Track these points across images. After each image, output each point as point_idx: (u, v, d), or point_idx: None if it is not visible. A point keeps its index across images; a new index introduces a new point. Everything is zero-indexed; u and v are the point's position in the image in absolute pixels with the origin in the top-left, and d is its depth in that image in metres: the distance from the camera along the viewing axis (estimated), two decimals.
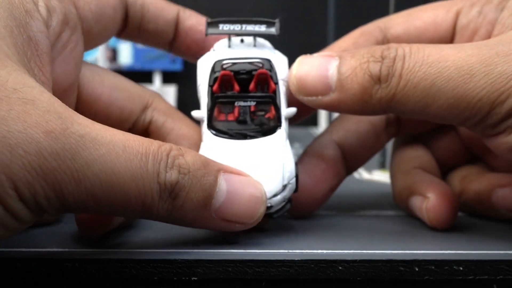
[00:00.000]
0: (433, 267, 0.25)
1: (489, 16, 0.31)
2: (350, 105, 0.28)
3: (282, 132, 0.29)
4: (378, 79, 0.27)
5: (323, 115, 1.01)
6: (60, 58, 0.29)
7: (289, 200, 0.29)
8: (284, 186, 0.28)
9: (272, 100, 0.29)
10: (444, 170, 0.36)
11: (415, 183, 0.33)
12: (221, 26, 0.30)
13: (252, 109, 0.29)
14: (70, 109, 0.23)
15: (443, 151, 0.36)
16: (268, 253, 0.26)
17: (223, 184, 0.25)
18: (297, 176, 0.28)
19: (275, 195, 0.27)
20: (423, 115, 0.27)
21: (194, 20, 0.34)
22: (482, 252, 0.26)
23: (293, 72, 0.29)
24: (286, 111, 0.29)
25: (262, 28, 0.30)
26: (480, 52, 0.26)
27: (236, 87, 0.30)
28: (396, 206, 0.36)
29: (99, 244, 0.27)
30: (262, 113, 0.29)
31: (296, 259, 0.25)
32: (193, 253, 0.25)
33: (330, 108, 0.29)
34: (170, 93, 1.46)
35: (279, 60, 0.30)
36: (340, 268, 0.25)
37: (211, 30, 0.30)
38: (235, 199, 0.26)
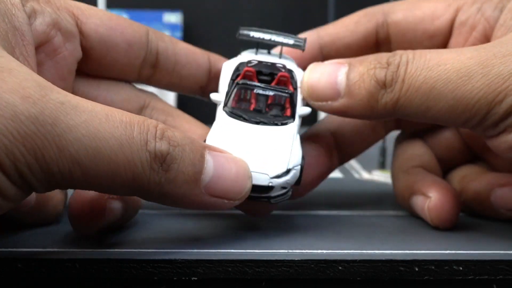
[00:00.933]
0: (433, 267, 0.25)
1: (487, 13, 0.32)
2: (357, 110, 0.29)
3: (294, 125, 0.30)
4: (383, 85, 0.28)
5: (322, 115, 1.01)
6: (50, 63, 0.30)
7: (289, 191, 0.29)
8: (288, 171, 0.28)
9: (290, 95, 0.30)
10: (445, 169, 0.36)
11: (416, 183, 0.33)
12: (252, 33, 0.32)
13: (270, 101, 0.30)
14: (49, 82, 0.23)
15: (444, 150, 0.36)
16: (268, 253, 0.26)
17: (210, 160, 0.25)
18: (302, 168, 0.29)
19: (278, 177, 0.28)
20: (426, 118, 0.28)
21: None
22: (482, 252, 0.26)
23: (305, 79, 0.30)
24: (301, 109, 0.30)
25: (290, 41, 0.32)
26: (478, 54, 0.26)
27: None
28: (396, 206, 0.36)
29: (99, 244, 0.27)
30: (279, 108, 0.30)
31: (296, 259, 0.25)
32: (193, 253, 0.25)
33: (339, 113, 0.30)
34: (170, 94, 1.46)
35: (300, 74, 0.31)
36: (340, 268, 0.25)
37: (242, 34, 0.32)
38: (223, 174, 0.26)
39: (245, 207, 0.30)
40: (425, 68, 0.27)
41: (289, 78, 0.31)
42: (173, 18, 1.72)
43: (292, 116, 0.30)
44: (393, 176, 0.36)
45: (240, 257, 0.25)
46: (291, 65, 0.32)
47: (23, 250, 0.25)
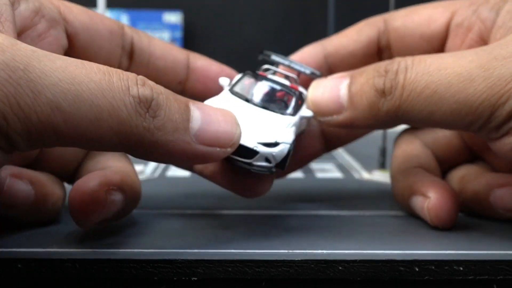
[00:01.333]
0: (433, 267, 0.25)
1: (483, 15, 0.32)
2: (362, 121, 0.29)
3: (293, 118, 0.30)
4: (382, 92, 0.28)
5: None
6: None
7: (272, 168, 0.29)
8: (277, 144, 0.28)
9: (295, 94, 0.30)
10: (445, 169, 0.36)
11: (415, 183, 0.33)
12: (273, 56, 0.33)
13: (275, 96, 0.31)
14: None
15: (444, 150, 0.36)
16: (268, 253, 0.26)
17: (196, 110, 0.25)
18: (290, 152, 0.29)
19: (264, 144, 0.28)
20: (429, 123, 0.28)
21: (204, 60, 0.36)
22: (482, 252, 0.26)
23: (309, 95, 0.31)
24: (304, 110, 0.31)
25: (307, 70, 0.32)
26: (479, 57, 0.26)
27: None
28: (396, 206, 0.36)
29: (99, 244, 0.27)
30: (282, 104, 0.30)
31: (296, 259, 0.25)
32: (193, 253, 0.25)
33: (344, 126, 0.30)
34: None
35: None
36: (340, 268, 0.25)
37: (264, 54, 0.33)
38: (211, 122, 0.26)
39: (238, 186, 0.30)
40: (426, 73, 0.27)
41: (299, 89, 0.31)
42: (173, 18, 1.73)
43: (294, 113, 0.30)
44: (393, 177, 0.36)
45: (240, 257, 0.25)
46: (301, 88, 0.32)
47: (23, 250, 0.25)
